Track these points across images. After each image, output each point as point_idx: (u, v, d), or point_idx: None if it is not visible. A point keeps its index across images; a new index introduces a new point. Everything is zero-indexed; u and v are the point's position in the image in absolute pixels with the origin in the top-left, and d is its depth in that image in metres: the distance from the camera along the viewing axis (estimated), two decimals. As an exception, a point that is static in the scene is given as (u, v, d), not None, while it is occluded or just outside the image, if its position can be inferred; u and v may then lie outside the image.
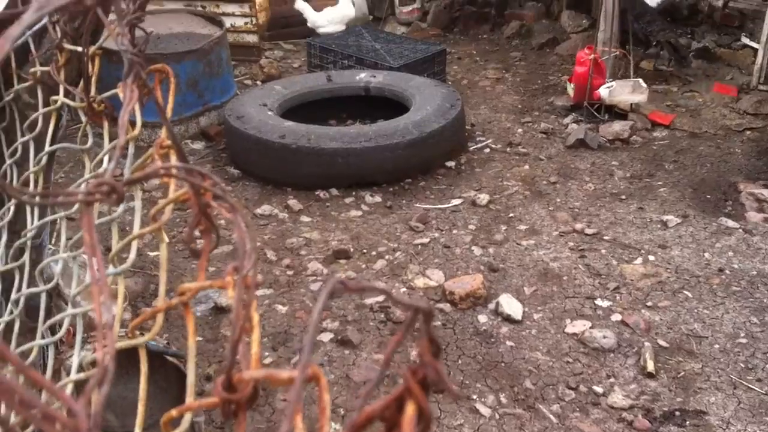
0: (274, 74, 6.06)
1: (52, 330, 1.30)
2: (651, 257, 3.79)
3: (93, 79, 1.17)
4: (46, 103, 1.38)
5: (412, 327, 0.52)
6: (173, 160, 0.86)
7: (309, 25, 6.74)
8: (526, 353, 3.17)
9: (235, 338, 0.58)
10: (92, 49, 1.16)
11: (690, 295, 3.51)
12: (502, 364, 3.11)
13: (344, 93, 5.34)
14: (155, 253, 3.61)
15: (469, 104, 5.61)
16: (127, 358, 0.86)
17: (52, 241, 2.11)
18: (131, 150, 1.04)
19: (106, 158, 1.13)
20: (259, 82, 5.94)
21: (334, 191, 4.42)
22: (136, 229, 0.96)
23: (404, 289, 3.54)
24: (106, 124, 1.15)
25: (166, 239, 0.93)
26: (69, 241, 1.26)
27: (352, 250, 3.86)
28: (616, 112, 5.28)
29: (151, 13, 5.89)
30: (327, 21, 6.65)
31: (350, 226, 4.09)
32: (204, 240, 0.74)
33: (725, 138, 5.07)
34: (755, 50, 5.77)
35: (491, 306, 3.43)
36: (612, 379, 3.02)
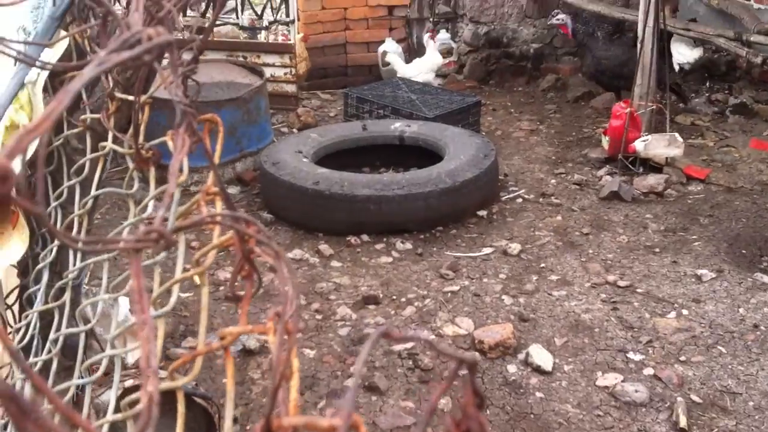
0: (310, 122, 6.16)
1: (88, 369, 1.33)
2: (684, 311, 3.74)
3: (142, 127, 1.22)
4: (94, 149, 1.43)
5: (456, 378, 0.53)
6: (218, 205, 0.88)
7: (399, 75, 6.81)
8: (556, 405, 3.12)
9: (276, 384, 0.59)
10: (143, 98, 1.21)
11: (724, 350, 3.44)
12: (532, 416, 3.06)
13: (379, 142, 5.40)
14: (186, 294, 3.65)
15: (503, 155, 5.63)
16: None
17: (86, 281, 2.15)
18: (176, 195, 1.07)
19: (150, 203, 1.16)
20: (295, 130, 6.04)
21: (366, 237, 4.44)
22: (178, 273, 0.98)
23: (433, 337, 3.53)
24: (152, 170, 1.19)
25: (207, 284, 0.95)
26: (109, 284, 1.29)
27: (381, 296, 3.86)
28: (651, 166, 5.26)
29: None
30: (417, 71, 6.76)
31: (380, 272, 4.10)
32: (246, 285, 0.76)
33: (762, 193, 5.01)
34: (793, 106, 5.74)
35: (521, 356, 3.40)
36: (643, 434, 2.95)
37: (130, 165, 1.21)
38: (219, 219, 0.76)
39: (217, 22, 6.56)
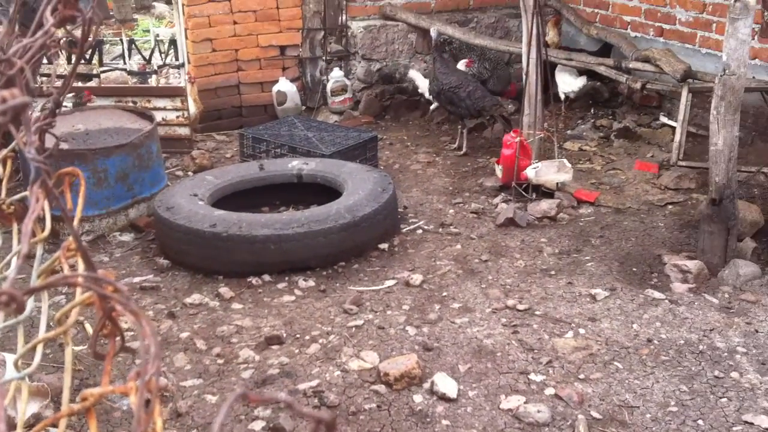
0: (206, 165, 6.07)
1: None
2: (581, 330, 3.84)
3: (3, 182, 1.16)
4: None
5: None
6: (81, 263, 0.85)
7: (420, 92, 7.21)
8: (462, 431, 3.14)
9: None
10: (3, 153, 1.16)
11: (620, 366, 3.55)
12: (438, 444, 3.07)
13: (277, 181, 5.37)
14: (79, 348, 3.50)
15: (402, 188, 5.70)
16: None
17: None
18: (39, 252, 1.02)
19: (14, 260, 1.11)
20: (190, 173, 5.94)
21: (267, 277, 4.39)
22: (42, 333, 0.94)
23: (338, 373, 3.50)
24: (15, 226, 1.13)
25: (71, 344, 0.91)
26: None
27: (285, 335, 3.81)
28: (543, 191, 5.43)
29: (80, 110, 5.89)
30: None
31: (283, 312, 4.05)
32: (110, 343, 0.73)
33: (648, 213, 5.24)
34: (673, 128, 6.03)
35: (426, 385, 3.41)
36: (548, 454, 3.00)
37: None
38: (78, 280, 0.73)
39: (105, 69, 6.44)
